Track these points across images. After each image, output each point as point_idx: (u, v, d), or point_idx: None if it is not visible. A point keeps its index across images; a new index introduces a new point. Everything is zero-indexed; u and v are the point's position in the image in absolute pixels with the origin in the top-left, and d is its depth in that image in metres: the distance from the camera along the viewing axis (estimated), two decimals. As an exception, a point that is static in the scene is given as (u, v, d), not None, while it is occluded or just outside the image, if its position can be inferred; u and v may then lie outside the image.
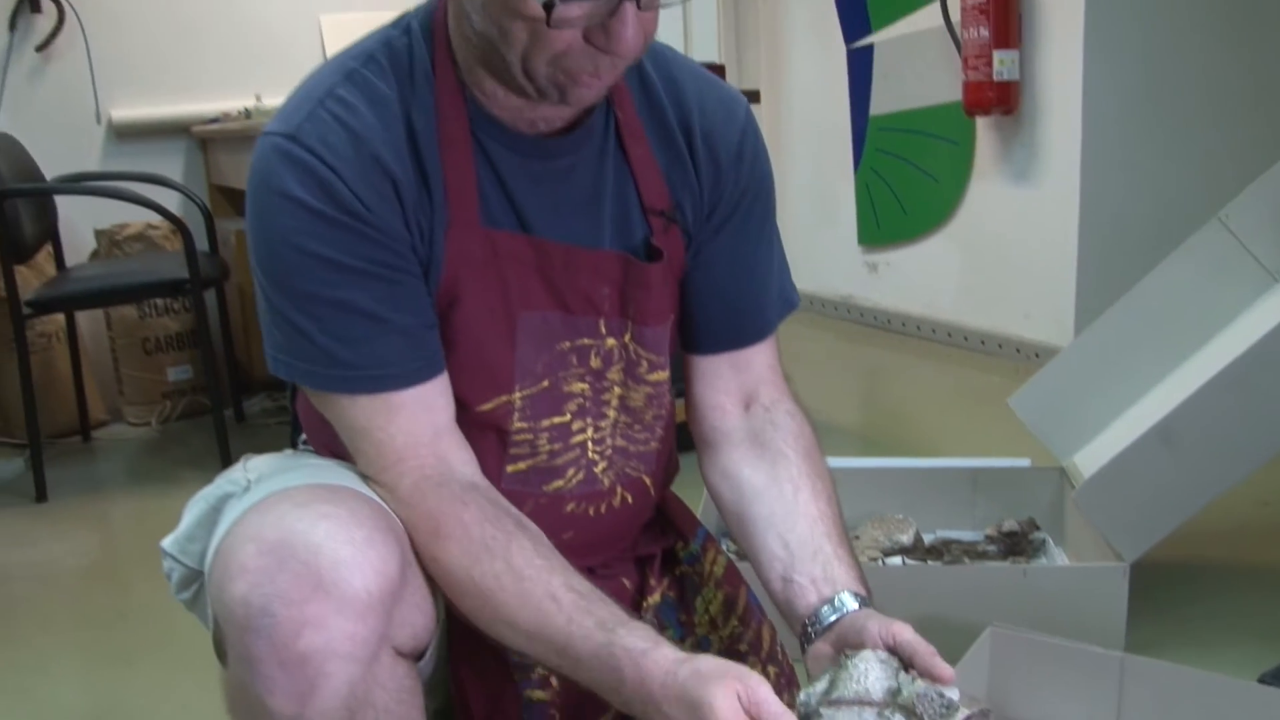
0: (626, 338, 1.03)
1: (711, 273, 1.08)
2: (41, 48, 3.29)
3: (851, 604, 0.96)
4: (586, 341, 1.01)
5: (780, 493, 1.05)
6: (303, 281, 0.89)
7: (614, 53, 0.84)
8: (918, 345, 3.86)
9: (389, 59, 0.94)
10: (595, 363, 1.02)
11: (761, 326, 1.12)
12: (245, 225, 0.93)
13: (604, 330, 1.01)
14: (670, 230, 1.03)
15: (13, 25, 3.24)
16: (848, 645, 0.91)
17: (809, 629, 0.97)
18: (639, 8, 0.82)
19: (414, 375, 0.92)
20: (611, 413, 1.04)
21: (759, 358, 1.12)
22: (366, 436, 0.93)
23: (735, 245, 1.08)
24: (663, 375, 1.08)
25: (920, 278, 3.91)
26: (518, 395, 0.98)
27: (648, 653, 0.81)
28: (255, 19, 3.56)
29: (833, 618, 0.95)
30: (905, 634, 0.88)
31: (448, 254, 0.93)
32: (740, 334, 1.11)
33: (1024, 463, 2.12)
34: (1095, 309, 3.19)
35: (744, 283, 1.09)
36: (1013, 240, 3.50)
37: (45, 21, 3.28)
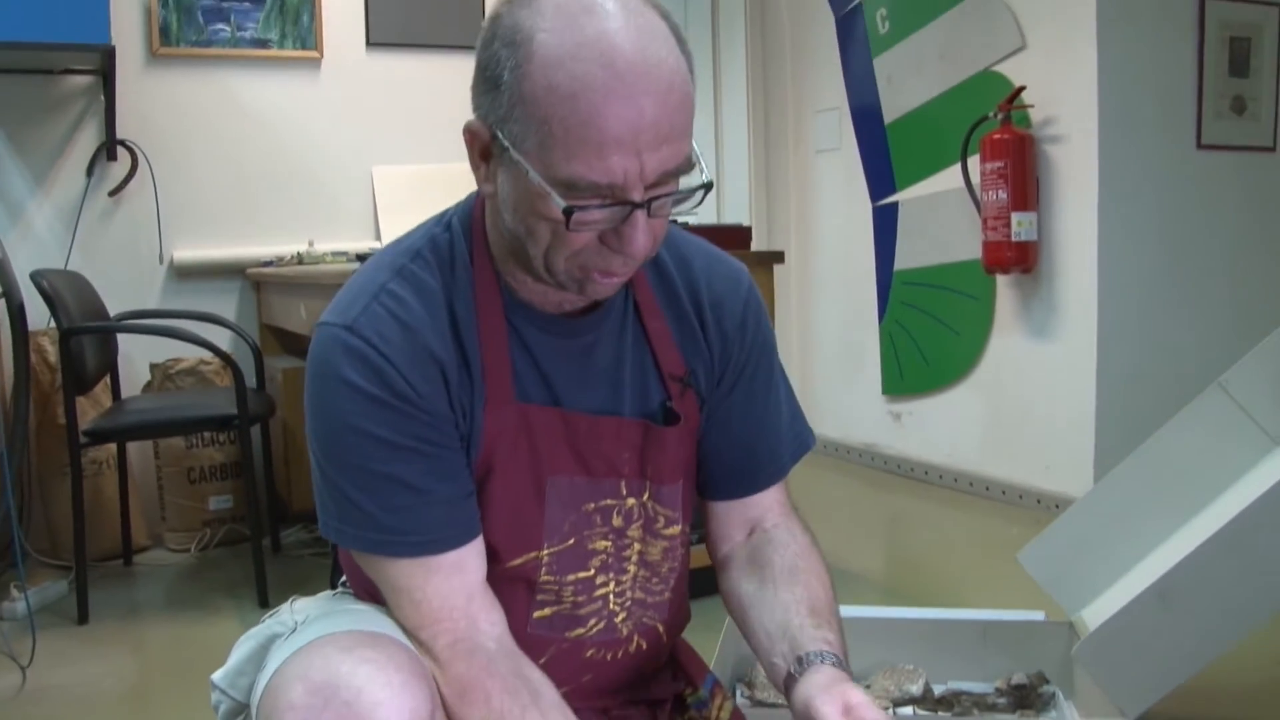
0: (645, 496, 1.13)
1: (726, 430, 1.20)
2: (114, 192, 3.51)
3: (816, 663, 1.03)
4: (609, 502, 1.11)
5: (763, 595, 1.14)
6: (356, 457, 0.99)
7: (625, 254, 0.95)
8: (940, 494, 3.92)
9: (433, 253, 1.06)
10: (617, 521, 1.12)
11: (774, 472, 1.23)
12: (305, 404, 1.04)
13: (625, 491, 1.12)
14: (686, 394, 1.15)
15: (90, 171, 3.47)
16: (809, 709, 0.98)
17: (790, 701, 1.04)
18: (648, 215, 0.94)
19: (451, 540, 1.02)
20: (632, 567, 1.14)
21: (768, 497, 1.23)
22: (406, 595, 1.02)
23: (746, 402, 1.20)
24: (677, 529, 1.18)
25: (943, 428, 4.00)
26: (546, 552, 1.08)
27: None
28: (311, 169, 3.79)
29: (797, 679, 1.03)
30: (855, 697, 0.97)
31: (486, 428, 1.04)
32: (754, 481, 1.22)
33: (1037, 616, 2.15)
34: (1114, 462, 3.23)
35: (756, 435, 1.20)
36: (1033, 393, 3.59)
37: (119, 168, 3.51)
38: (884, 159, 4.13)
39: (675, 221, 1.44)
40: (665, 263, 1.17)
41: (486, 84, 0.94)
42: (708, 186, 0.97)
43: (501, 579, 1.07)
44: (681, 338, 1.16)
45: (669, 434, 1.13)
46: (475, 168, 1.00)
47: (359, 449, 0.99)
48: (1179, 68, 3.38)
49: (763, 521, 1.23)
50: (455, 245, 1.07)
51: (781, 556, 1.17)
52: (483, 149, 0.98)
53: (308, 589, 1.24)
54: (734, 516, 1.23)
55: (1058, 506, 3.40)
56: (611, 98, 0.88)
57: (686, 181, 0.97)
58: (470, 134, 0.97)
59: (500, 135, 0.93)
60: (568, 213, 0.91)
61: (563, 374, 1.09)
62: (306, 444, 1.05)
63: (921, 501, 3.88)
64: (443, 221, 1.10)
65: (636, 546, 1.14)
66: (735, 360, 1.19)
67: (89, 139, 3.48)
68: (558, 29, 0.89)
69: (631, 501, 1.13)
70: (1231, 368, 2.06)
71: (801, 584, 1.14)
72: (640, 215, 0.93)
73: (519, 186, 0.94)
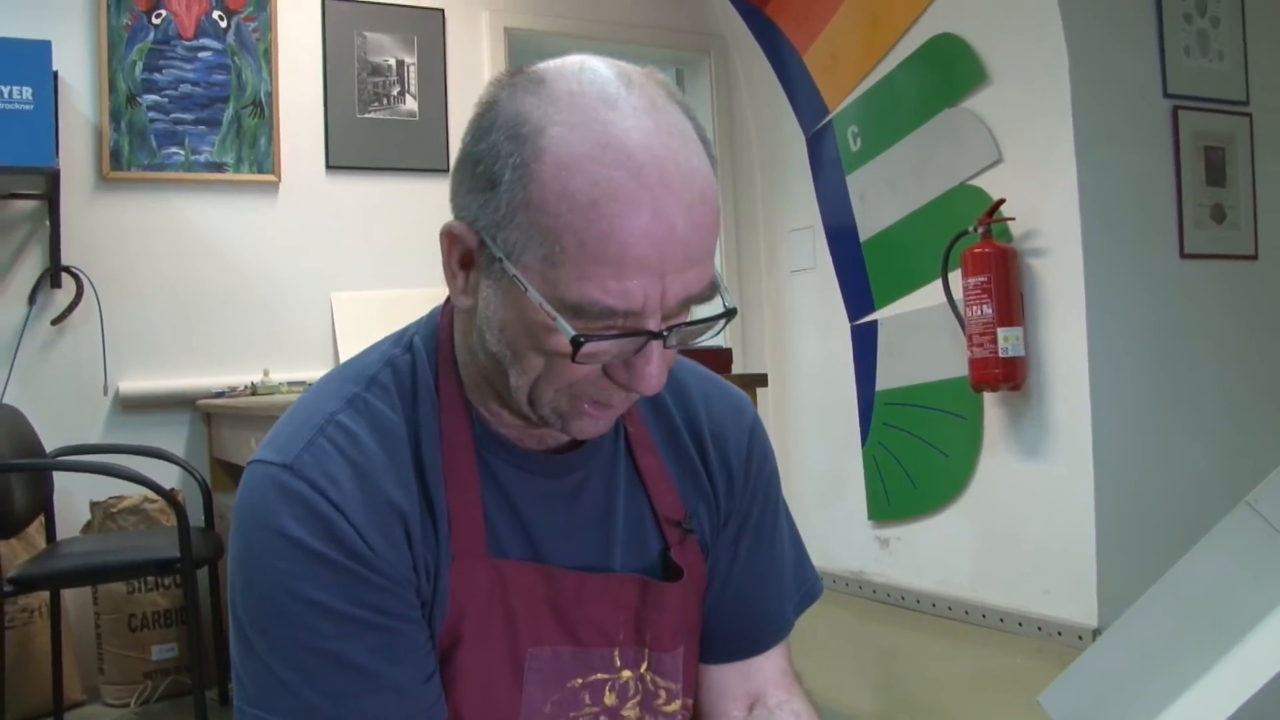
0: (643, 668, 0.95)
1: (729, 585, 1.02)
2: (57, 321, 3.33)
3: None
4: (600, 676, 0.92)
5: None
6: (292, 629, 0.80)
7: (633, 389, 0.80)
8: (933, 623, 3.71)
9: (392, 379, 0.89)
10: (610, 699, 0.93)
11: (776, 631, 1.05)
12: (229, 559, 0.85)
13: (619, 663, 0.93)
14: (687, 542, 0.97)
15: (32, 299, 3.31)
16: None
17: None
18: (664, 346, 0.79)
19: None
20: None
21: (769, 663, 1.05)
22: None
23: (750, 553, 1.03)
24: (679, 705, 0.98)
25: (933, 553, 3.81)
26: None
27: None
28: (268, 295, 3.63)
29: None
30: None
31: (452, 591, 0.86)
32: (754, 644, 1.04)
33: (1060, 763, 1.96)
34: (1118, 584, 3.14)
35: (762, 591, 1.03)
36: (1027, 515, 3.43)
37: (63, 296, 3.35)
38: (861, 277, 4.04)
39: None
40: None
41: (478, 181, 0.78)
42: (730, 314, 0.81)
43: None
44: (680, 476, 0.99)
45: (670, 591, 0.95)
46: (451, 277, 0.83)
47: (296, 619, 0.80)
48: (1157, 178, 3.34)
49: (765, 698, 1.04)
50: (418, 370, 0.90)
51: None
52: (464, 256, 0.81)
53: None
54: (731, 688, 1.04)
55: (1059, 634, 3.22)
56: (638, 209, 0.73)
57: (702, 309, 0.82)
58: (450, 238, 0.81)
59: (491, 244, 0.77)
60: (577, 343, 0.75)
61: (544, 522, 0.91)
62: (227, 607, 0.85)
63: (914, 632, 3.66)
64: (402, 341, 0.93)
65: None
66: (741, 501, 1.02)
67: (32, 265, 3.32)
68: (575, 124, 0.74)
69: (627, 675, 0.94)
70: (1260, 485, 1.90)
71: None
72: (656, 347, 0.78)
73: (511, 306, 0.78)
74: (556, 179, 0.73)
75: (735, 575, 1.02)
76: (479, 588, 0.86)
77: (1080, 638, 3.17)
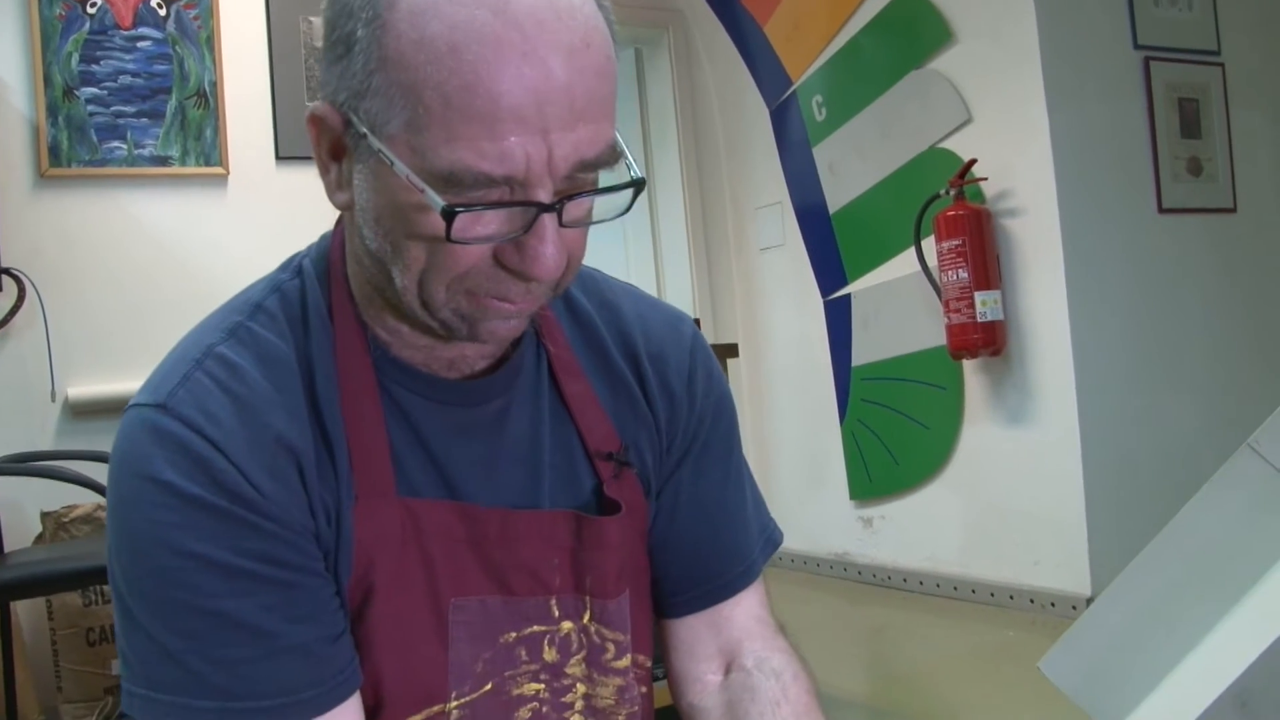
0: (586, 618, 0.83)
1: (678, 519, 0.90)
2: (-1, 326, 3.19)
3: None
4: (537, 629, 0.81)
5: None
6: (173, 588, 0.69)
7: (529, 275, 0.68)
8: (922, 602, 3.61)
9: (281, 305, 0.78)
10: (550, 655, 0.82)
11: (744, 572, 0.93)
12: (107, 518, 0.74)
13: (557, 613, 0.82)
14: (624, 476, 0.86)
15: (-30, 305, 3.16)
16: None
17: None
18: (560, 223, 0.67)
19: (311, 705, 0.72)
20: (576, 718, 0.83)
21: (741, 610, 0.93)
22: None
23: (702, 482, 0.91)
24: (628, 660, 0.87)
25: (919, 530, 3.71)
26: (454, 705, 0.78)
27: None
28: (220, 291, 3.41)
29: None
30: None
31: (358, 535, 0.75)
32: (720, 588, 0.92)
33: (1065, 732, 1.86)
34: (1109, 550, 3.05)
35: (718, 525, 0.91)
36: (1014, 485, 3.34)
37: (4, 300, 3.20)
38: (832, 251, 3.94)
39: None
40: (584, 308, 0.89)
41: (334, 49, 0.67)
42: (638, 184, 0.69)
43: None
44: (615, 404, 0.87)
45: (609, 528, 0.83)
46: (324, 172, 0.73)
47: (177, 576, 0.69)
48: (1131, 132, 3.26)
49: (740, 653, 0.92)
50: (308, 294, 0.79)
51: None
52: (333, 144, 0.70)
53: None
54: (703, 643, 0.92)
55: (1053, 605, 3.13)
56: (507, 52, 0.62)
57: (608, 179, 0.70)
58: (315, 123, 0.70)
59: (355, 119, 0.66)
60: (448, 216, 0.63)
61: (461, 456, 0.79)
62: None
63: (903, 612, 3.57)
64: (290, 266, 0.82)
65: (581, 689, 0.83)
66: (686, 426, 0.91)
67: (-31, 270, 3.18)
68: None
69: (568, 626, 0.83)
70: (1262, 426, 1.81)
71: None
72: (549, 221, 0.66)
73: (383, 189, 0.67)
74: (412, 26, 0.63)
75: (686, 507, 0.91)
76: (388, 531, 0.75)
77: (1074, 607, 3.09)
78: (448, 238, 0.65)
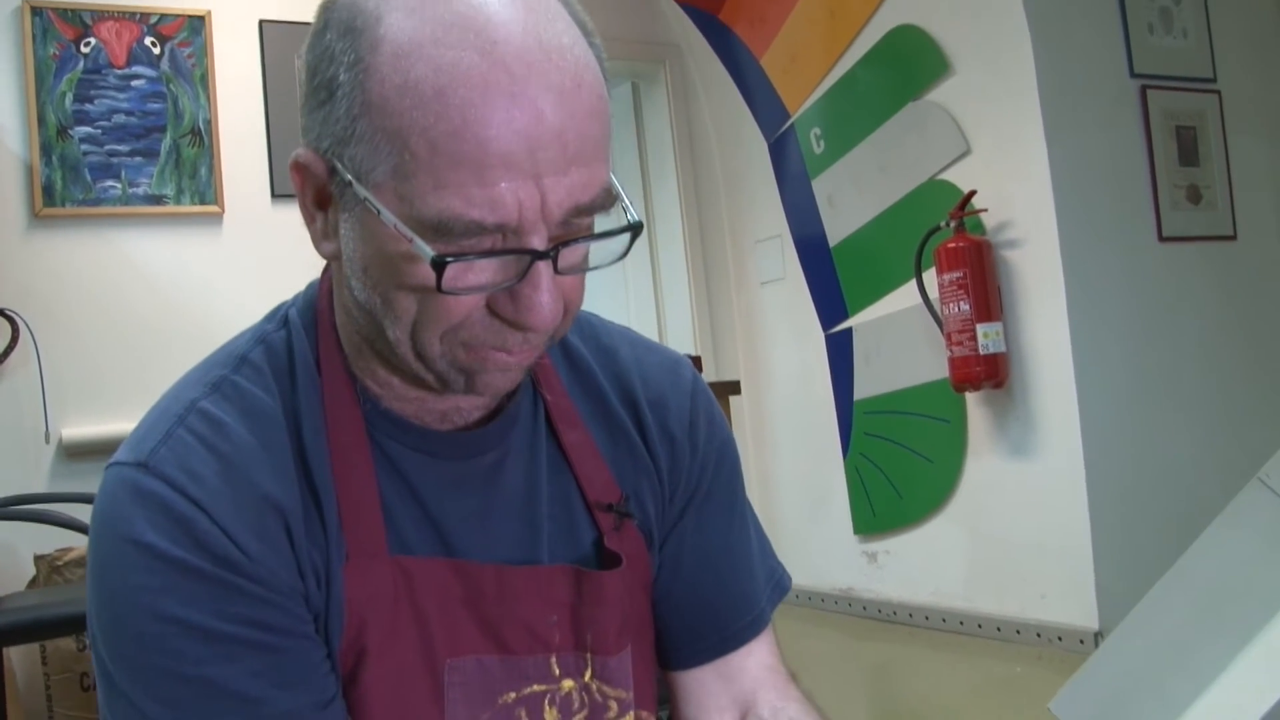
0: (587, 676, 0.80)
1: (683, 569, 0.88)
2: (-9, 367, 3.17)
3: None
4: (537, 689, 0.78)
5: None
6: (154, 654, 0.67)
7: (525, 325, 0.66)
8: (928, 637, 3.56)
9: (267, 358, 0.76)
10: (551, 715, 0.79)
11: (753, 621, 0.90)
12: (87, 579, 0.71)
13: (558, 671, 0.79)
14: (625, 528, 0.83)
15: (-37, 346, 3.14)
16: None
17: None
18: (555, 270, 0.65)
19: None
20: None
21: (753, 660, 0.90)
22: None
23: (706, 530, 0.89)
24: (634, 717, 0.83)
25: (924, 565, 3.67)
26: None
27: None
28: (215, 331, 3.40)
29: None
30: None
31: (349, 596, 0.72)
32: (729, 638, 0.90)
33: (1077, 774, 1.81)
34: (1117, 583, 3.01)
35: (724, 573, 0.89)
36: (1018, 518, 3.30)
37: (-2, 340, 3.18)
38: (832, 284, 3.92)
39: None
40: (581, 354, 0.86)
41: (317, 94, 0.65)
42: (635, 228, 0.67)
43: None
44: (614, 452, 0.85)
45: (610, 582, 0.80)
46: (309, 220, 0.70)
47: (159, 643, 0.66)
48: (1130, 160, 3.24)
49: (756, 704, 0.89)
50: (295, 345, 0.76)
51: None
52: (318, 192, 0.68)
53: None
54: (713, 696, 0.89)
55: (1060, 639, 3.08)
56: (494, 94, 0.59)
57: (604, 223, 0.68)
58: (299, 170, 0.67)
59: (340, 166, 0.64)
60: (438, 266, 0.61)
61: (455, 510, 0.77)
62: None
63: (909, 647, 3.52)
64: (276, 317, 0.79)
65: None
66: (688, 473, 0.88)
67: (-38, 310, 3.15)
68: (415, 7, 0.62)
69: (569, 684, 0.79)
70: (1273, 459, 1.78)
71: None
72: (544, 268, 0.64)
73: (370, 239, 0.65)
74: (396, 70, 0.61)
75: (691, 556, 0.88)
76: (380, 591, 0.72)
77: (1081, 641, 3.04)
78: (439, 288, 0.62)
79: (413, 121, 0.60)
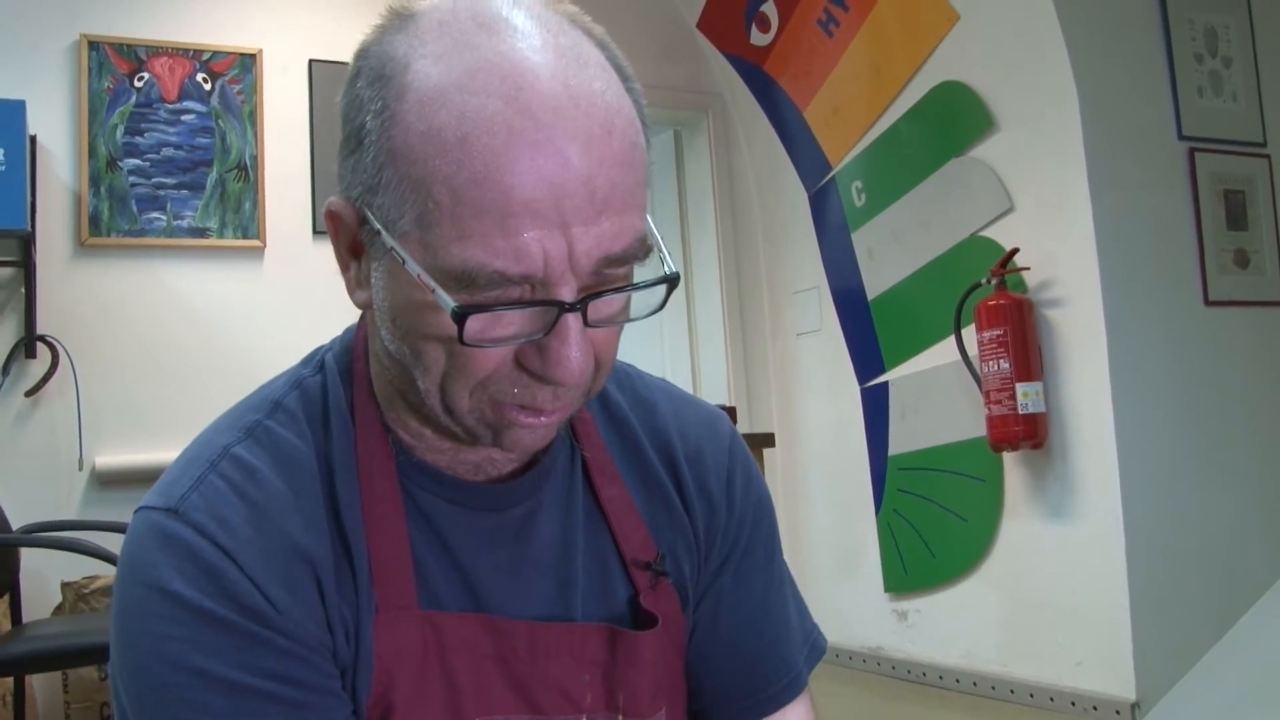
0: None
1: (720, 630, 0.85)
2: (31, 392, 3.19)
3: None
4: None
5: None
6: (175, 706, 0.65)
7: (552, 380, 0.64)
8: (958, 700, 3.48)
9: (301, 403, 0.74)
10: None
11: (790, 684, 0.88)
12: (110, 626, 0.70)
13: None
14: (660, 587, 0.81)
15: (5, 370, 3.17)
16: None
17: None
18: (585, 323, 0.63)
19: None
20: None
21: None
22: None
23: (743, 590, 0.86)
24: None
25: (956, 626, 3.60)
26: None
27: None
28: (252, 364, 3.46)
29: None
30: None
31: (378, 651, 0.70)
32: (765, 700, 0.87)
33: None
34: (1155, 652, 2.93)
35: (762, 635, 0.86)
36: (1055, 581, 3.23)
37: (38, 366, 3.21)
38: (870, 337, 3.89)
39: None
40: (619, 406, 0.84)
41: (348, 143, 0.64)
42: (672, 280, 0.65)
43: None
44: (650, 508, 0.82)
45: (645, 643, 0.78)
46: (344, 269, 0.69)
47: (181, 695, 0.64)
48: (1176, 223, 3.21)
49: None
50: (330, 391, 0.75)
51: None
52: (351, 240, 0.67)
53: None
54: None
55: (1095, 709, 3.01)
56: (518, 141, 0.58)
57: (641, 274, 0.66)
58: (333, 219, 0.67)
59: (370, 215, 0.63)
60: (459, 317, 0.59)
61: (486, 564, 0.75)
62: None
63: (939, 710, 3.44)
64: (313, 361, 0.78)
65: None
66: (725, 531, 0.86)
67: (5, 334, 3.20)
68: (442, 54, 0.61)
69: None
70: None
71: None
72: (573, 321, 0.62)
73: (399, 289, 0.64)
74: (420, 118, 0.60)
75: (728, 616, 0.86)
76: (410, 647, 0.70)
77: (1118, 712, 2.96)
78: (461, 340, 0.61)
79: (435, 169, 0.59)
